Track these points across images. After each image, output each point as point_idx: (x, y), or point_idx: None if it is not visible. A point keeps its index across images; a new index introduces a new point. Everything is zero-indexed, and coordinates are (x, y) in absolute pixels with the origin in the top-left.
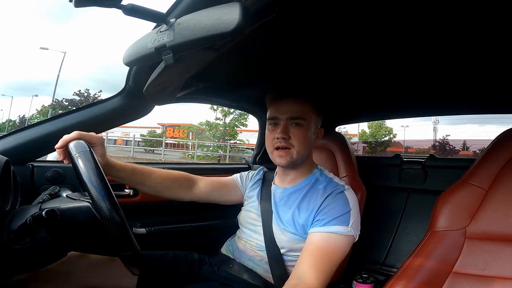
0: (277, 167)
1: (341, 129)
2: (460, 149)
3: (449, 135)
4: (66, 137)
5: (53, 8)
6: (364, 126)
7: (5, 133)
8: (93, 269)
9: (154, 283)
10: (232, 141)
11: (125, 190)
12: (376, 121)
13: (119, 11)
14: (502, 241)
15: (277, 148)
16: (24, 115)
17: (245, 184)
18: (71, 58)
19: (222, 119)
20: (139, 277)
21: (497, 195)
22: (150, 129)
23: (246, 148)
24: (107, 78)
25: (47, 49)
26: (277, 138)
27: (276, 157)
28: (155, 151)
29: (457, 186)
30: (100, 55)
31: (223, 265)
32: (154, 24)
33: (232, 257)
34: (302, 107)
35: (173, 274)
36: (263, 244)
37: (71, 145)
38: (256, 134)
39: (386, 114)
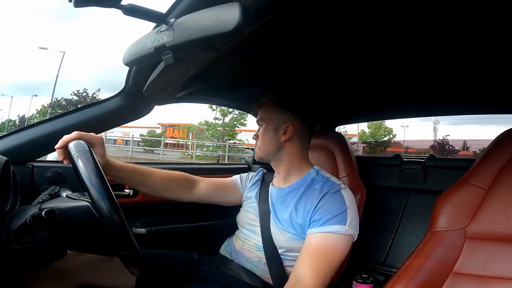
0: None
1: (340, 129)
2: (460, 149)
3: (448, 135)
4: (66, 137)
5: (53, 8)
6: (363, 126)
7: (5, 133)
8: (91, 267)
9: (153, 282)
10: (231, 141)
11: (125, 190)
12: (376, 121)
13: (119, 11)
14: (502, 241)
15: None
16: (24, 115)
17: (245, 185)
18: (73, 58)
19: (221, 119)
20: (138, 276)
21: (497, 195)
22: (150, 129)
23: (246, 148)
24: (110, 78)
25: (46, 48)
26: None
27: None
28: (154, 151)
29: (457, 186)
30: (101, 55)
31: (222, 266)
32: (154, 24)
33: (230, 258)
34: (264, 109)
35: (171, 273)
36: (261, 245)
37: (71, 145)
38: None
39: (386, 114)
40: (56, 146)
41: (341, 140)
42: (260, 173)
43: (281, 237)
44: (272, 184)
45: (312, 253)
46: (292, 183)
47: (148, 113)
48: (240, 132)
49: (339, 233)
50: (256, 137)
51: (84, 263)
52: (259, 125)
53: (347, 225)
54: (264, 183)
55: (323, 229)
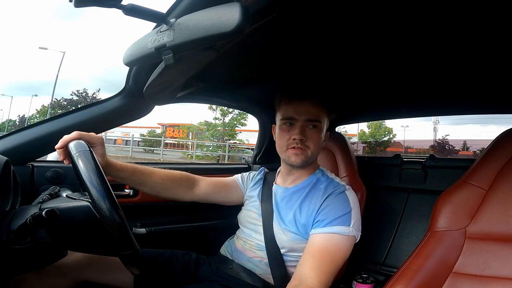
0: (280, 167)
1: (340, 129)
2: (460, 149)
3: (448, 135)
4: (66, 137)
5: (54, 8)
6: (363, 126)
7: (5, 133)
8: (90, 264)
9: (150, 280)
10: (231, 141)
11: (125, 190)
12: (376, 121)
13: (120, 11)
14: (502, 241)
15: (293, 148)
16: (24, 115)
17: (246, 184)
18: (73, 58)
19: (220, 119)
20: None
21: (497, 195)
22: (150, 129)
23: (246, 148)
24: (110, 77)
25: (46, 48)
26: (294, 139)
27: (291, 155)
28: (154, 151)
29: (457, 186)
30: (101, 55)
31: (222, 266)
32: (154, 24)
33: (230, 258)
34: (319, 110)
35: (169, 273)
36: (263, 244)
37: (71, 145)
38: (256, 134)
39: (386, 114)
40: (56, 146)
41: (341, 140)
42: (262, 172)
43: (283, 237)
44: (276, 183)
45: (316, 253)
46: (298, 183)
47: (148, 113)
48: (240, 132)
49: (343, 234)
50: (303, 136)
51: (83, 260)
52: (312, 125)
53: (351, 226)
54: (267, 183)
55: (327, 229)
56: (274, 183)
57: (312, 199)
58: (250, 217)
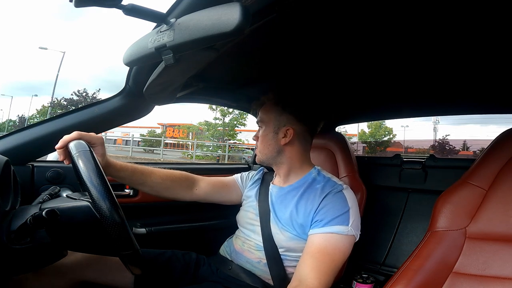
0: None
1: (340, 129)
2: (460, 149)
3: (448, 135)
4: (66, 137)
5: (54, 8)
6: (363, 126)
7: (5, 133)
8: (90, 264)
9: (150, 280)
10: (231, 141)
11: (125, 190)
12: (376, 121)
13: (120, 11)
14: (502, 241)
15: None
16: (24, 115)
17: (245, 184)
18: (73, 58)
19: (221, 119)
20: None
21: (497, 195)
22: (150, 129)
23: (246, 148)
24: (110, 77)
25: (46, 48)
26: None
27: None
28: (154, 151)
29: (457, 186)
30: (102, 55)
31: (221, 267)
32: (154, 24)
33: (229, 259)
34: (264, 110)
35: (169, 273)
36: (262, 244)
37: (71, 145)
38: None
39: (386, 114)
40: (56, 146)
41: (341, 140)
42: (261, 172)
43: (281, 237)
44: (273, 183)
45: (315, 254)
46: (292, 183)
47: (148, 113)
48: (240, 132)
49: (342, 233)
50: (256, 138)
51: (83, 260)
52: (259, 126)
53: (349, 225)
54: (264, 182)
55: (326, 229)
56: (271, 183)
57: (309, 199)
58: (248, 217)
